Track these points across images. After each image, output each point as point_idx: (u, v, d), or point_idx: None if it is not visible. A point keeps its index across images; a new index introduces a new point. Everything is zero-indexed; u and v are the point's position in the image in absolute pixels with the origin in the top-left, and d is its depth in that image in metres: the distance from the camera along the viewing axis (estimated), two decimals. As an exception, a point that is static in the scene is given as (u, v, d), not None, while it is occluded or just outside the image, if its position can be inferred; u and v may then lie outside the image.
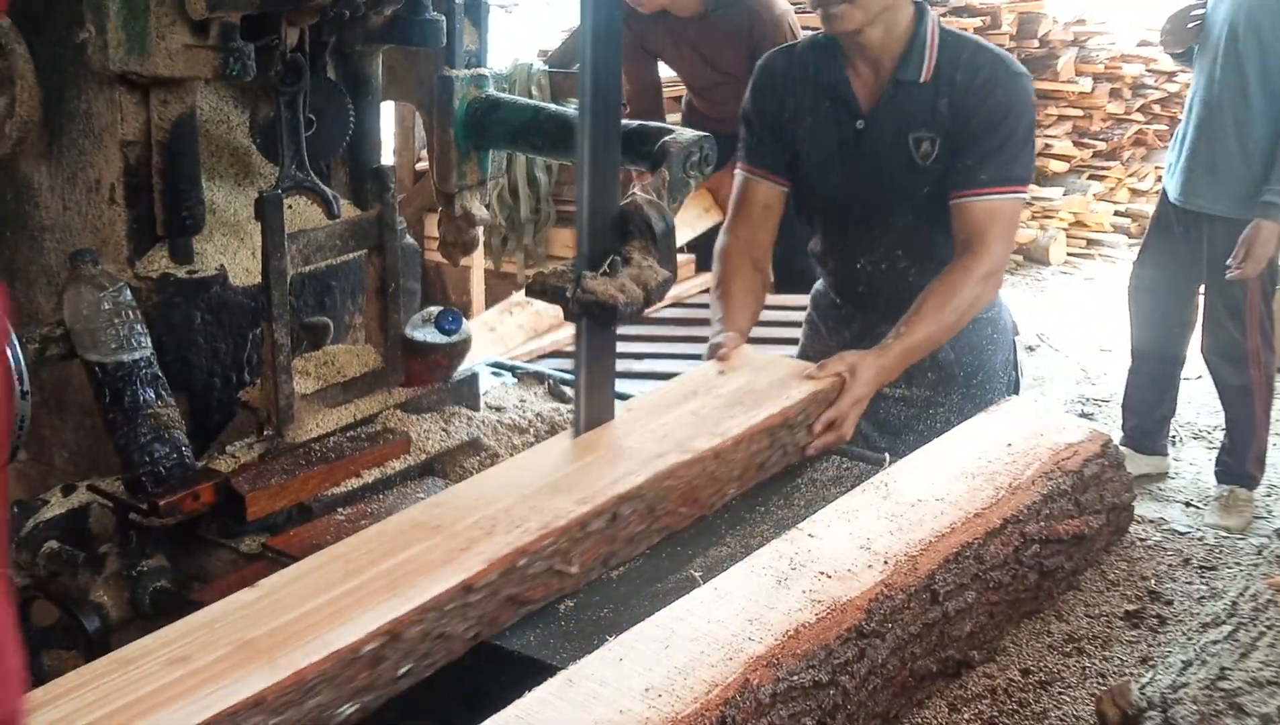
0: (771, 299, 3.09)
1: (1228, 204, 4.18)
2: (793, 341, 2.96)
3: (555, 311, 2.32)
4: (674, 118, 5.99)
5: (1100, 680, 1.74)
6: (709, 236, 4.53)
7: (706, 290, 4.51)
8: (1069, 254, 7.52)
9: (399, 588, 1.63)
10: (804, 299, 2.95)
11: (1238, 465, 4.47)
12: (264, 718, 1.44)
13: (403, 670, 1.59)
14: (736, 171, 2.67)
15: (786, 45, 2.77)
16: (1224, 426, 4.59)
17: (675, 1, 4.41)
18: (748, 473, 2.11)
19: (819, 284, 2.87)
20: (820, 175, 2.62)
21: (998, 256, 2.48)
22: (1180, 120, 4.51)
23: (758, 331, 2.60)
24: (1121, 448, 2.25)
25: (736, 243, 2.63)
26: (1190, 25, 4.34)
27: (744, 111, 2.69)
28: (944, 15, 6.87)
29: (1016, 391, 2.81)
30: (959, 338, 2.57)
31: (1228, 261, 4.11)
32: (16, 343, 1.78)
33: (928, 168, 2.51)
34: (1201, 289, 4.48)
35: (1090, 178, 7.82)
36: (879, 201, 2.59)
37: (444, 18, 2.16)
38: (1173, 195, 4.35)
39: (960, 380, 2.67)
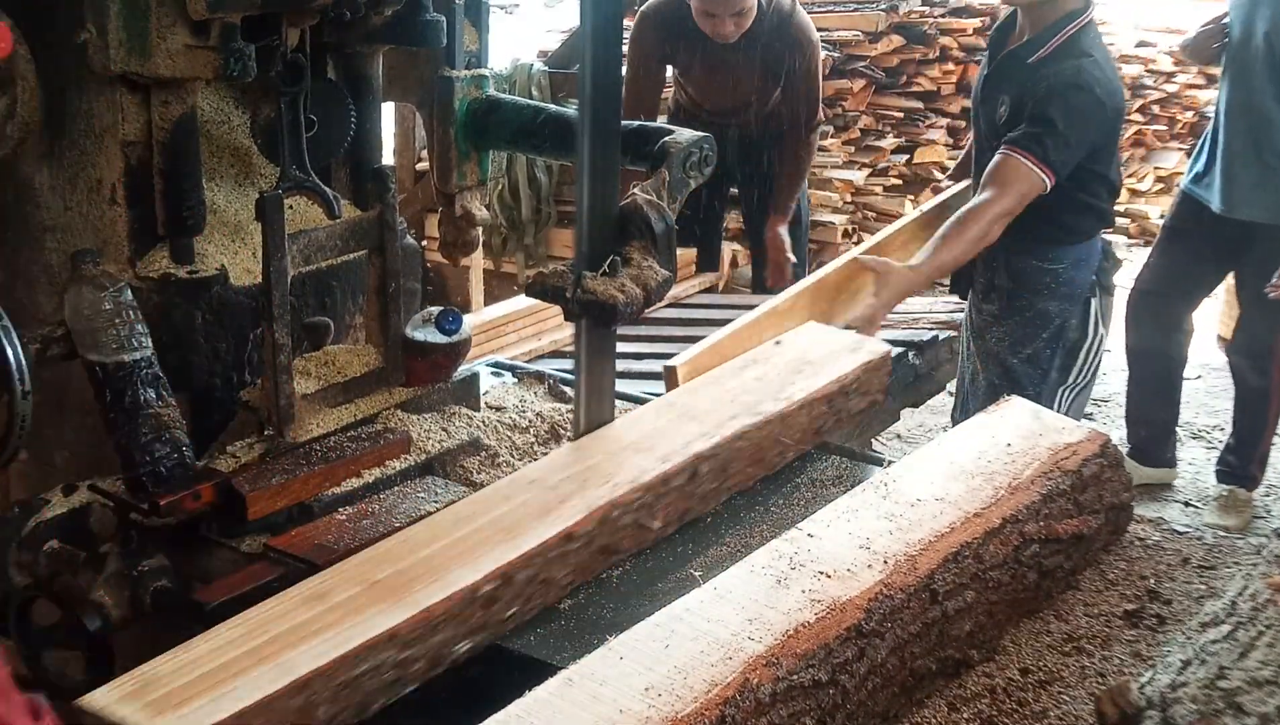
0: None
1: (1276, 211, 4.12)
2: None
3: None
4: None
5: (1099, 679, 1.74)
6: None
7: (707, 290, 4.53)
8: (1068, 254, 7.52)
9: (508, 536, 1.76)
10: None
11: (1241, 466, 4.47)
12: (395, 652, 1.58)
13: (510, 612, 1.73)
14: (1021, 159, 3.08)
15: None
16: (1226, 426, 4.58)
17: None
18: (806, 436, 2.26)
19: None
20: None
21: (1002, 204, 3.04)
22: (1208, 129, 4.35)
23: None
24: (1128, 460, 2.27)
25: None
26: (1215, 45, 4.30)
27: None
28: (943, 15, 6.88)
29: (1062, 344, 3.37)
30: (1018, 274, 3.28)
31: (1274, 280, 4.05)
32: (18, 342, 1.79)
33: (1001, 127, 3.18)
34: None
35: (1090, 178, 7.83)
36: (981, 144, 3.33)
37: (444, 18, 2.16)
38: (1215, 205, 4.21)
39: (1017, 308, 3.32)
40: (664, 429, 2.07)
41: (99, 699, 1.46)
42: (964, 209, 3.08)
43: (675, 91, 4.72)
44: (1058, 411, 2.85)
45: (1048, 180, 3.06)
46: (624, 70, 4.57)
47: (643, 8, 4.55)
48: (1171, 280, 4.42)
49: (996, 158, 3.07)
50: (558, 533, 1.77)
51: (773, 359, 2.36)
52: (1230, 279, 4.54)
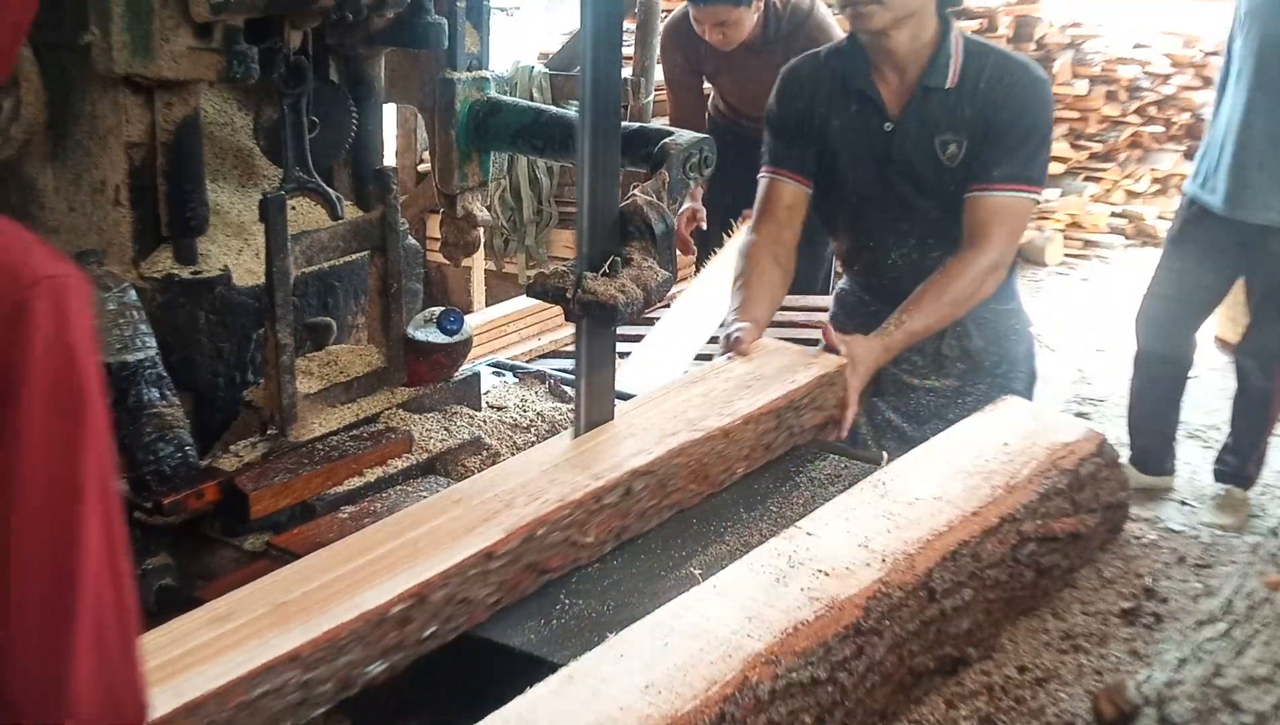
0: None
1: None
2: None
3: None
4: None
5: (1096, 677, 1.75)
6: None
7: (706, 291, 4.54)
8: (1065, 255, 7.54)
9: (425, 555, 1.71)
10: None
11: (1240, 465, 4.47)
12: (299, 673, 1.52)
13: (428, 632, 1.67)
14: (761, 174, 2.72)
15: (811, 52, 2.83)
16: (1223, 426, 4.59)
17: (744, 36, 4.37)
18: (755, 452, 2.19)
19: (843, 283, 2.95)
20: (849, 174, 2.69)
21: (1000, 252, 2.55)
22: (1212, 134, 4.32)
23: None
24: (1127, 465, 2.27)
25: (761, 240, 2.68)
26: None
27: (768, 115, 2.76)
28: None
29: (1035, 381, 2.91)
30: (986, 327, 2.69)
31: None
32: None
33: (954, 168, 2.60)
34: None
35: (1086, 179, 7.84)
36: (907, 198, 2.66)
37: (446, 20, 2.17)
38: (1224, 209, 4.19)
39: (987, 369, 2.75)
40: (601, 445, 2.03)
41: None
42: (946, 268, 2.54)
43: (712, 100, 4.74)
44: None
45: (1038, 200, 2.68)
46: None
47: (665, 22, 4.60)
48: (1182, 288, 4.38)
49: (987, 200, 2.54)
50: (477, 552, 1.72)
51: (723, 374, 2.29)
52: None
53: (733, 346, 2.40)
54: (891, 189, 2.67)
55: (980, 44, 2.68)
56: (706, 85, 4.71)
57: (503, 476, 1.93)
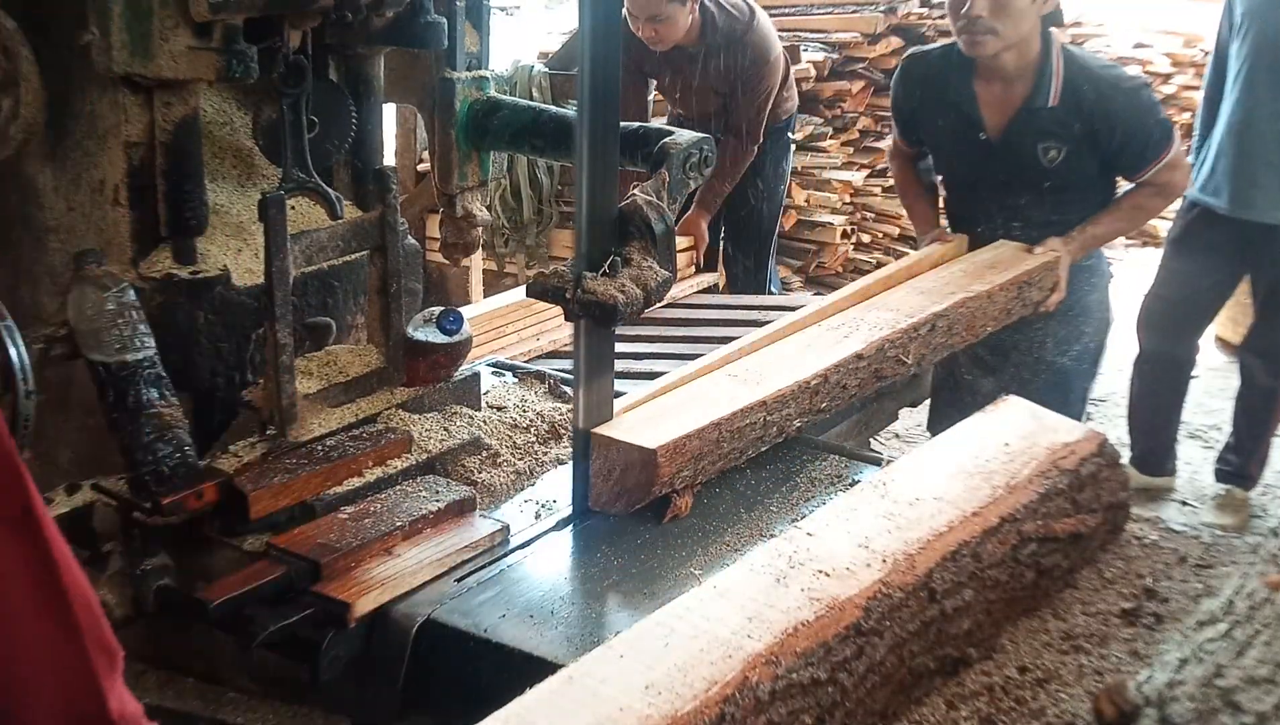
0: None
1: None
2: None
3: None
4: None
5: (1097, 678, 1.75)
6: None
7: (706, 290, 4.56)
8: (1067, 254, 7.53)
9: (818, 354, 2.46)
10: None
11: (1242, 465, 4.47)
12: (764, 414, 2.24)
13: (823, 404, 2.40)
14: (890, 139, 3.33)
15: (923, 50, 3.36)
16: (1224, 426, 4.59)
17: (679, 36, 4.50)
18: (1000, 316, 2.92)
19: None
20: (946, 169, 3.26)
21: (1179, 188, 3.20)
22: (1204, 134, 4.32)
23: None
24: (1129, 467, 2.28)
25: (902, 154, 3.36)
26: None
27: (893, 98, 3.34)
28: (941, 17, 6.88)
29: (1109, 326, 3.45)
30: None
31: None
32: (21, 342, 1.79)
33: (1054, 168, 3.05)
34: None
35: (1088, 178, 7.83)
36: (1001, 191, 3.14)
37: (445, 20, 2.17)
38: (1229, 209, 4.19)
39: (1059, 313, 3.21)
40: (907, 294, 2.80)
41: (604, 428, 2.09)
42: (1127, 192, 3.15)
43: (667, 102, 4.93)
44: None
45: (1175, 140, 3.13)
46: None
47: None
48: (1185, 289, 4.37)
49: (1151, 173, 3.10)
50: (850, 353, 2.46)
51: (970, 259, 3.03)
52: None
53: (938, 238, 3.13)
54: (984, 182, 3.11)
55: (1079, 61, 3.03)
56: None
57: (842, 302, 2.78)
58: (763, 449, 2.27)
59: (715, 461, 2.16)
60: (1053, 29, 3.05)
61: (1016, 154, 3.04)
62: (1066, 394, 3.30)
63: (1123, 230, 3.26)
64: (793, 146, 5.36)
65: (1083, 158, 3.04)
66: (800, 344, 2.54)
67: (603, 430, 2.11)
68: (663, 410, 2.20)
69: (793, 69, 5.12)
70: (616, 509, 2.10)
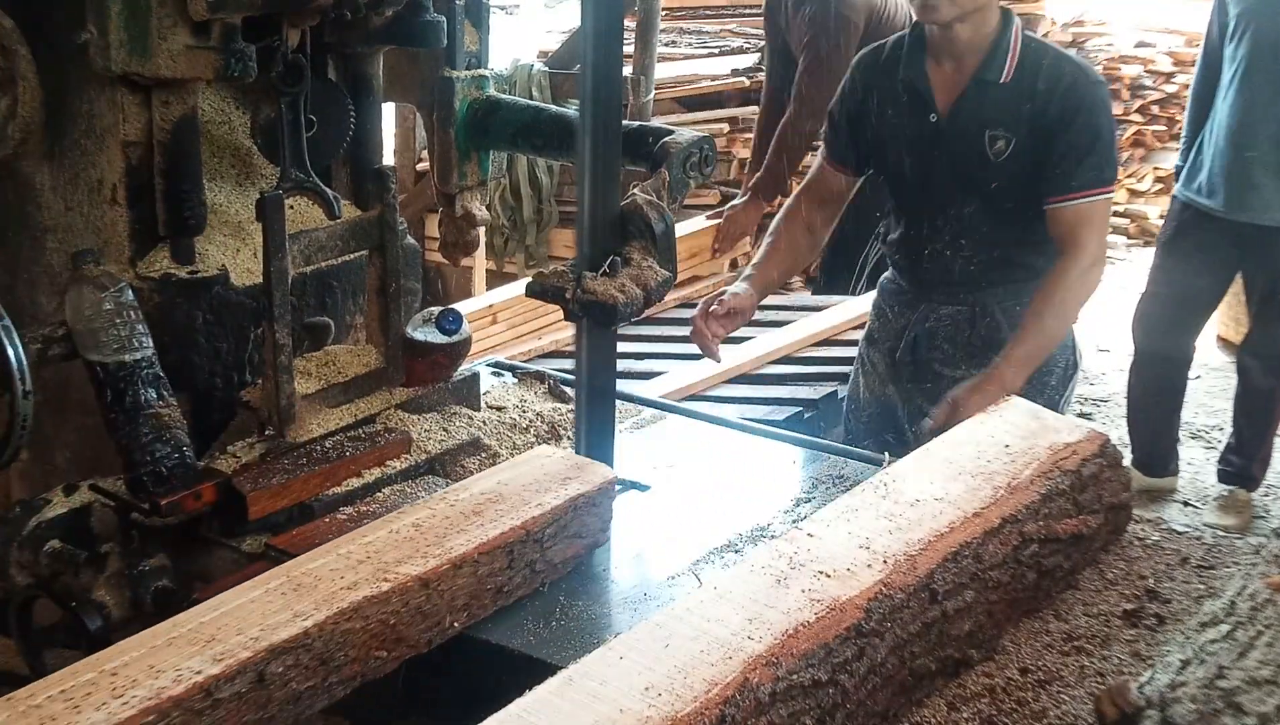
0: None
1: None
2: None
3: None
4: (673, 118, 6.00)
5: (1099, 679, 1.74)
6: None
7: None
8: (1068, 254, 7.53)
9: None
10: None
11: (1244, 466, 4.46)
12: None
13: None
14: (816, 158, 2.95)
15: (878, 43, 2.98)
16: (1225, 426, 4.58)
17: None
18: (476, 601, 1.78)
19: (887, 274, 3.07)
20: (898, 163, 2.85)
21: (1092, 252, 2.64)
22: (1193, 135, 4.33)
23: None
24: (1130, 469, 2.26)
25: (801, 207, 2.91)
26: None
27: (830, 108, 2.95)
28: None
29: (1074, 372, 2.98)
30: (1015, 319, 2.74)
31: None
32: (19, 342, 1.79)
33: (999, 164, 2.71)
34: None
35: (1089, 178, 7.83)
36: (948, 190, 2.79)
37: (445, 19, 2.17)
38: (1224, 210, 4.18)
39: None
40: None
41: None
42: (1042, 284, 2.65)
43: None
44: None
45: (1113, 193, 2.74)
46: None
47: None
48: (1179, 290, 4.37)
49: (1070, 210, 2.63)
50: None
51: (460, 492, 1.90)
52: (1236, 282, 4.51)
53: (713, 305, 2.65)
54: (933, 180, 2.79)
55: (1038, 42, 2.77)
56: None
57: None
58: None
59: None
60: (1013, 10, 2.85)
61: (964, 139, 2.72)
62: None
63: (1057, 326, 2.67)
64: None
65: (1025, 158, 2.67)
66: None
67: None
68: None
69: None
70: None
